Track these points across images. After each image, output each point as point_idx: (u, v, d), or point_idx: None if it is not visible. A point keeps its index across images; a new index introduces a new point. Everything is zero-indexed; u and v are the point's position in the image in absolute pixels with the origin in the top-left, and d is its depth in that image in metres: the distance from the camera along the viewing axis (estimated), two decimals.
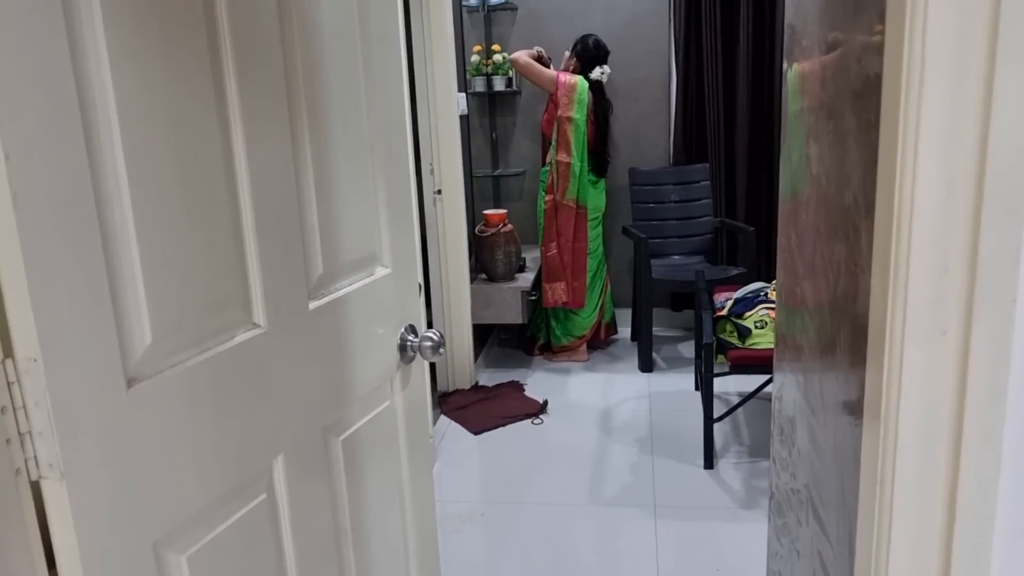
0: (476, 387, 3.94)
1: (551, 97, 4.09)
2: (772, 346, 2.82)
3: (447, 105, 3.61)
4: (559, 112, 4.03)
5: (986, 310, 0.60)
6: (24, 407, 0.73)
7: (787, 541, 1.29)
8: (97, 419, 0.78)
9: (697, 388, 3.74)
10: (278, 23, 1.02)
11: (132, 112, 0.80)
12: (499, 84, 4.43)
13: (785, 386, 1.36)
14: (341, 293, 1.18)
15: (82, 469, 0.76)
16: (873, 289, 0.67)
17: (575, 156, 4.04)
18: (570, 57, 4.15)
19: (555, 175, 4.08)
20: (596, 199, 4.18)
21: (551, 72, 4.08)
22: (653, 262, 4.12)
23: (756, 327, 2.97)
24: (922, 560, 0.64)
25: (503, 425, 3.48)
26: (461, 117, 3.77)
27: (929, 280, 0.61)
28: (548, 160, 4.14)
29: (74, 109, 0.73)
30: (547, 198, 4.14)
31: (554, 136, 4.07)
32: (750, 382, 3.16)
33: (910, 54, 0.62)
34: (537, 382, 3.99)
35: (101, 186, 0.77)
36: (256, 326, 1.00)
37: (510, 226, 4.05)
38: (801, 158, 1.18)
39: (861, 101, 0.84)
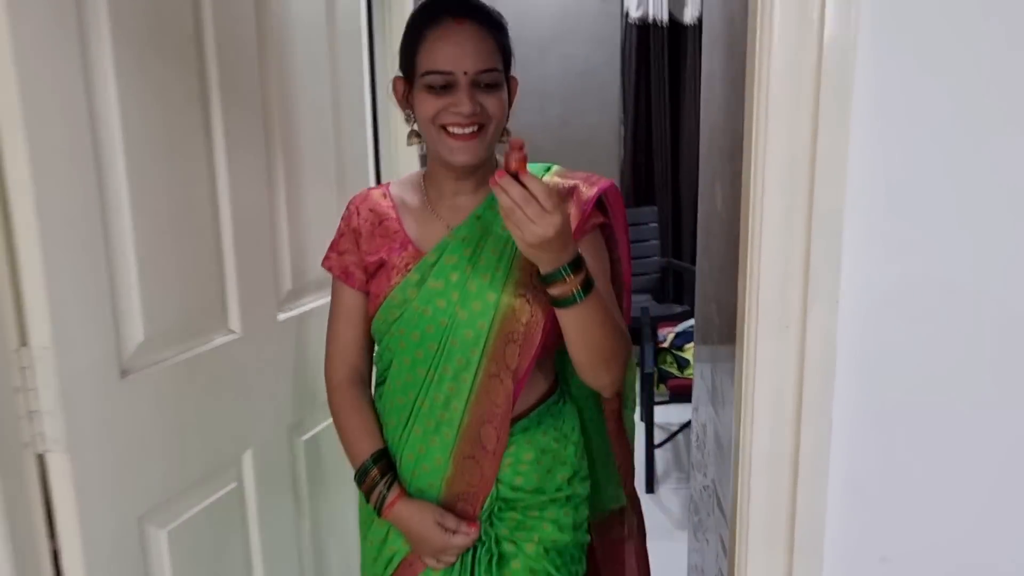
0: None
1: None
2: None
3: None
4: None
5: (817, 307, 0.77)
6: (36, 389, 0.85)
7: (701, 534, 1.44)
8: (95, 402, 0.91)
9: (643, 418, 3.90)
10: (258, 66, 1.18)
11: (134, 137, 0.94)
12: None
13: (700, 397, 1.53)
14: (307, 308, 1.32)
15: (81, 445, 0.89)
16: (739, 293, 0.84)
17: None
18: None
19: None
20: None
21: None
22: None
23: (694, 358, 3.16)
24: (774, 508, 0.81)
25: None
26: None
27: (775, 284, 0.78)
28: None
29: (86, 137, 0.88)
30: None
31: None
32: (690, 412, 3.33)
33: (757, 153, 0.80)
34: None
35: (108, 204, 0.92)
36: (231, 332, 1.14)
37: None
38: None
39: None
